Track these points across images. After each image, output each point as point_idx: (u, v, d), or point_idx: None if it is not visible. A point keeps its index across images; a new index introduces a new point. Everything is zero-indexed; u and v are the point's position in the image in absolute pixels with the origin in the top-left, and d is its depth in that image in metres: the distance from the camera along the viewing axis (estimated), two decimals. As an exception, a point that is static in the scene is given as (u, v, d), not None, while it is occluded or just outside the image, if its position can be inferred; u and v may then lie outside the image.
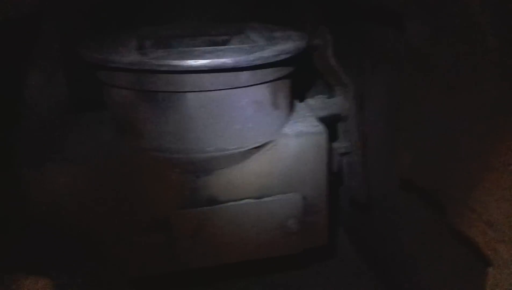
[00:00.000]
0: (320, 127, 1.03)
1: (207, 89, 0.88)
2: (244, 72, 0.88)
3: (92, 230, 0.96)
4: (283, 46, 0.92)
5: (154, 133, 0.93)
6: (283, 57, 0.89)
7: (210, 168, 0.99)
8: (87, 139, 1.01)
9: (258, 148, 0.99)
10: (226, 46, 1.00)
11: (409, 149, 0.87)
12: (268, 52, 0.88)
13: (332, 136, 1.17)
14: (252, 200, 1.02)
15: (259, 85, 0.92)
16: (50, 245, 0.90)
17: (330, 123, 1.16)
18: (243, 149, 0.96)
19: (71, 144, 0.99)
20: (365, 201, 1.23)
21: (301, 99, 1.21)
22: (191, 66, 0.82)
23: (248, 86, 0.91)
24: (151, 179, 0.97)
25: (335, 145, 1.22)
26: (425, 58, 0.76)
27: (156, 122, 0.91)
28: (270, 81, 0.94)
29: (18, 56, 1.01)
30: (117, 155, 0.95)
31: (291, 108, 1.09)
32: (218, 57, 0.84)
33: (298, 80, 1.07)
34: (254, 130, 0.96)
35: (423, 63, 0.78)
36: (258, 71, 0.89)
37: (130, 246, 0.99)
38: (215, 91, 0.88)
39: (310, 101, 1.21)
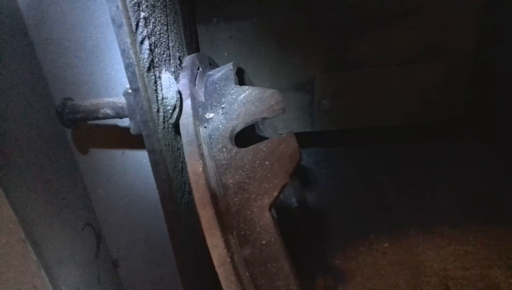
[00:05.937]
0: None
1: None
2: None
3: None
4: None
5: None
6: None
7: (360, 30, 1.02)
8: None
9: (412, 9, 0.98)
10: None
11: None
12: None
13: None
14: (395, 66, 1.04)
15: None
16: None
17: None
18: (397, 10, 0.97)
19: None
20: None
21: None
22: None
23: None
24: (302, 38, 1.03)
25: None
26: None
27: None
28: None
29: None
30: (273, 11, 1.01)
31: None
32: None
33: None
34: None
35: None
36: None
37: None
38: None
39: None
